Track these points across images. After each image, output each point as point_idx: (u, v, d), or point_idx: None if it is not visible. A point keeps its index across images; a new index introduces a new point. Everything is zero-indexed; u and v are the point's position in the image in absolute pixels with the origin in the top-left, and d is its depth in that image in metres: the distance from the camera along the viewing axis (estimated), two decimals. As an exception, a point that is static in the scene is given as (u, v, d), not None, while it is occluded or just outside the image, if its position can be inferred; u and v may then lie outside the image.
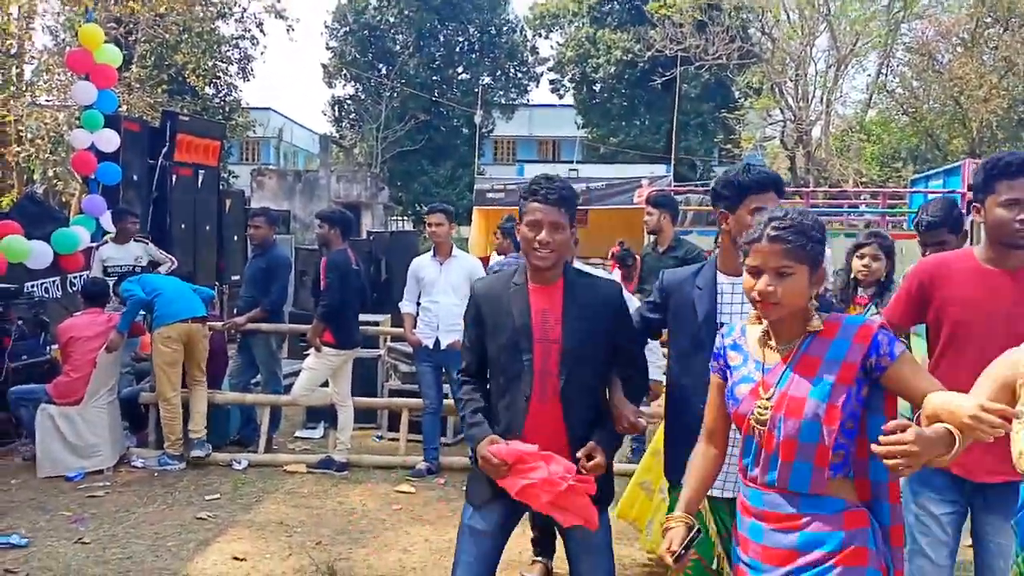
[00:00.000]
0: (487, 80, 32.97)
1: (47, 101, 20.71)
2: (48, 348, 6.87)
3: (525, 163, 30.71)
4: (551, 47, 34.72)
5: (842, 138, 24.76)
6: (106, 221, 8.24)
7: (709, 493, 2.63)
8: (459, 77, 33.21)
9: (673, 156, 23.30)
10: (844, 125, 24.87)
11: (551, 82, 34.59)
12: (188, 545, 4.59)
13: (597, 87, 31.89)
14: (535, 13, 33.93)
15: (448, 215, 5.90)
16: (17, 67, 21.90)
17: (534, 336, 2.67)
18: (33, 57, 21.62)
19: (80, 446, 5.76)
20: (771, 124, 26.42)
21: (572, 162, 25.56)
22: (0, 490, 5.44)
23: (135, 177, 8.98)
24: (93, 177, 8.51)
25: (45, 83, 20.80)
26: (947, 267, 2.75)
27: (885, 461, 1.68)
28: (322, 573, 4.20)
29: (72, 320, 6.03)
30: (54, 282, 7.92)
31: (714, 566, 2.63)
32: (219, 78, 24.26)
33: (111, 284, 6.55)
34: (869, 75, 26.24)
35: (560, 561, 3.74)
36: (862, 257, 4.43)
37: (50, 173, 21.78)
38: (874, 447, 1.71)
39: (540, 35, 34.43)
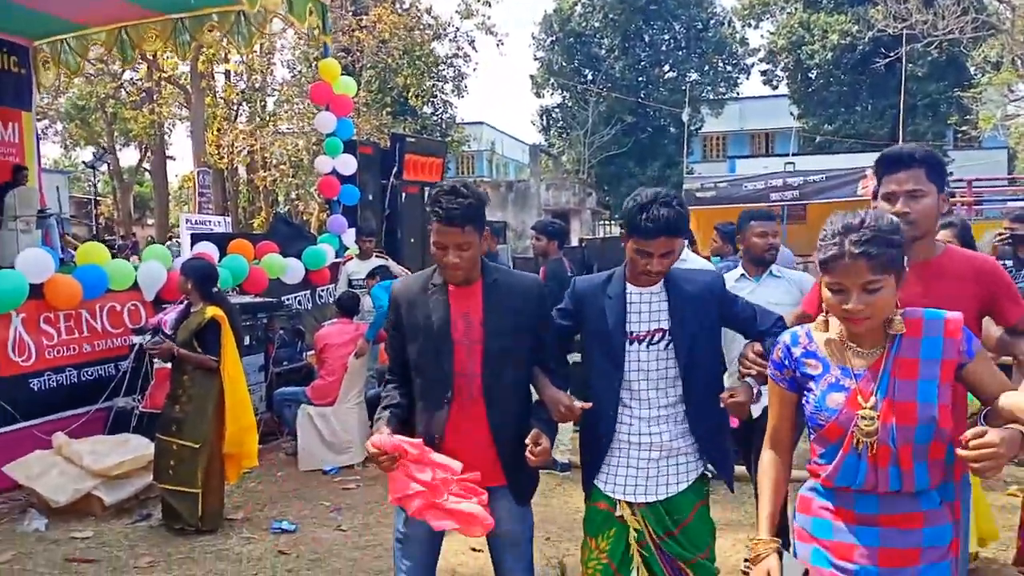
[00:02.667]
0: (694, 76, 32.46)
1: (288, 129, 22.74)
2: (303, 354, 7.65)
3: (737, 159, 29.96)
4: (761, 36, 33.66)
5: (1103, 111, 22.04)
6: (347, 238, 9.04)
7: (634, 499, 2.65)
8: (665, 76, 32.94)
9: (900, 142, 21.77)
10: (1105, 96, 22.12)
11: (763, 73, 33.49)
12: (431, 536, 4.98)
13: (813, 74, 30.47)
14: (744, 3, 32.98)
15: None
16: (261, 100, 24.39)
17: (454, 338, 2.65)
18: (274, 89, 23.98)
19: (334, 443, 6.39)
20: (1015, 101, 24.00)
21: (788, 155, 24.57)
22: (269, 481, 6.14)
23: (370, 196, 9.75)
24: (335, 199, 9.36)
25: (286, 113, 22.99)
26: None
27: (973, 465, 1.71)
28: (553, 568, 4.40)
29: (326, 329, 6.68)
30: (305, 295, 8.74)
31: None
32: (436, 97, 25.69)
33: (360, 294, 7.15)
34: None
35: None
36: None
37: (292, 195, 24.01)
38: (960, 451, 1.73)
39: (750, 25, 33.44)
